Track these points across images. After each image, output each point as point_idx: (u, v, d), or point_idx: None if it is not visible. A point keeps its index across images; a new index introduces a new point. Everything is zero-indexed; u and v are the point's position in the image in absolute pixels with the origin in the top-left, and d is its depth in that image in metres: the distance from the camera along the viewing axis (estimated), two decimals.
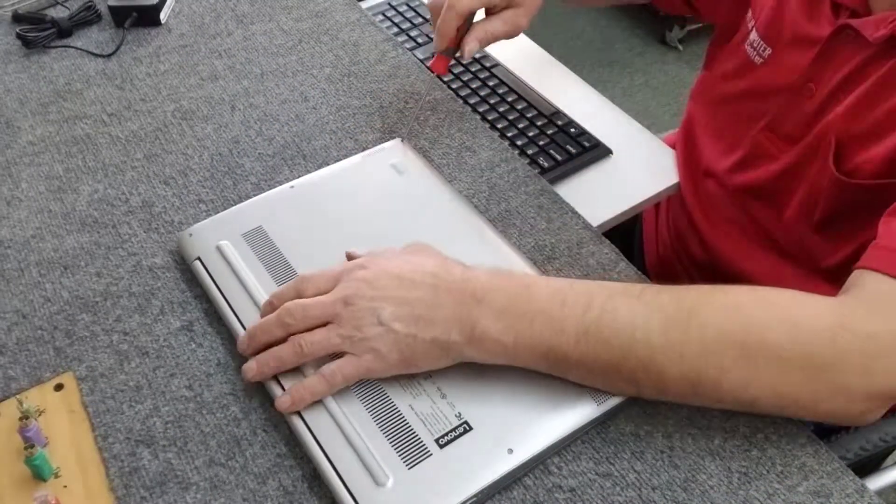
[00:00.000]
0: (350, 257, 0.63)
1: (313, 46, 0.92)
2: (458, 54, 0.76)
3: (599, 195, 0.81)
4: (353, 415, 0.56)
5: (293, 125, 0.82)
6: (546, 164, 0.83)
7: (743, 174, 0.79)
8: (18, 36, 0.91)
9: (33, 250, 0.71)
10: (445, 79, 0.92)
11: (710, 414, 0.58)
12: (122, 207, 0.74)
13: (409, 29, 1.00)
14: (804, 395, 0.53)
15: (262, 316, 0.60)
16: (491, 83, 0.92)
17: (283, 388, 0.58)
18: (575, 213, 0.73)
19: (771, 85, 0.74)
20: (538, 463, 0.56)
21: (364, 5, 1.01)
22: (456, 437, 0.55)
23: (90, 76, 0.88)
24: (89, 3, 0.95)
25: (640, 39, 2.38)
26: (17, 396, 0.59)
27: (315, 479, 0.55)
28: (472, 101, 0.90)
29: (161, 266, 0.69)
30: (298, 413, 0.56)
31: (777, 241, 0.77)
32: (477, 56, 0.95)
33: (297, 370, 0.58)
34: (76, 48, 0.92)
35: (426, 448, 0.54)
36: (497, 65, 0.95)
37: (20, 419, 0.56)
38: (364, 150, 0.78)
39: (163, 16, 0.95)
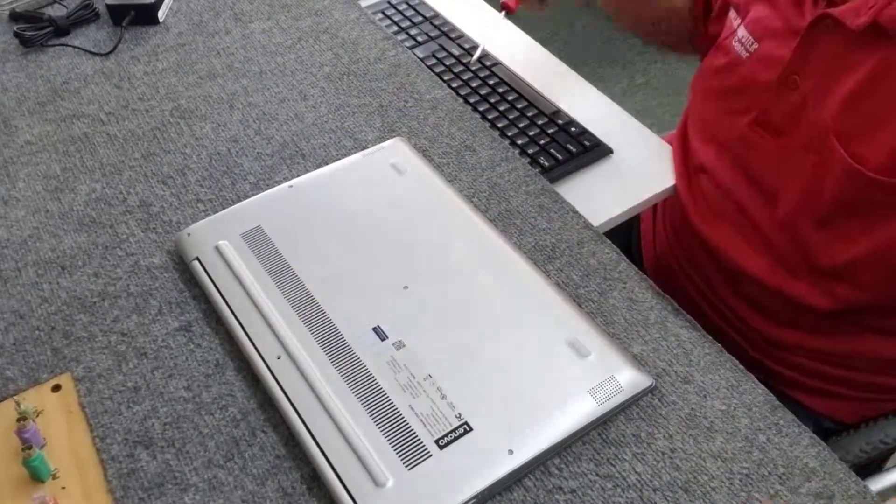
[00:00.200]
0: None
1: (312, 45, 0.92)
2: None
3: (600, 195, 0.81)
4: (353, 415, 0.56)
5: (292, 124, 0.82)
6: (546, 164, 0.83)
7: (732, 168, 0.79)
8: (16, 34, 0.91)
9: (30, 250, 0.70)
10: (445, 78, 0.91)
11: (712, 415, 0.58)
12: (119, 207, 0.74)
13: (409, 27, 1.00)
14: None
15: None
16: (491, 82, 0.92)
17: (286, 393, 0.57)
18: (575, 212, 0.73)
19: (757, 78, 0.74)
20: (539, 464, 0.55)
21: (363, 3, 1.01)
22: (456, 438, 0.55)
23: (88, 75, 0.88)
24: (87, 2, 0.94)
25: (640, 39, 2.38)
26: (15, 397, 0.59)
27: (314, 480, 0.55)
28: (472, 100, 0.90)
29: (159, 266, 0.69)
30: (298, 413, 0.56)
31: (771, 239, 0.77)
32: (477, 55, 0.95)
33: (306, 386, 0.58)
34: (74, 47, 0.91)
35: (426, 449, 0.54)
36: (497, 64, 0.94)
37: (18, 420, 0.56)
38: (363, 149, 0.78)
39: (161, 14, 0.95)
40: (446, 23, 1.00)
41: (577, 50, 2.32)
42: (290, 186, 0.73)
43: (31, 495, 0.52)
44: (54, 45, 0.92)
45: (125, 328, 0.64)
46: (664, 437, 0.57)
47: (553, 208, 0.73)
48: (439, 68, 0.93)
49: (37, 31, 0.91)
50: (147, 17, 0.94)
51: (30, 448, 0.54)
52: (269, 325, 0.61)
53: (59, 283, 0.68)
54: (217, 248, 0.67)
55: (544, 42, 1.00)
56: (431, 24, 1.00)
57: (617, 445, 0.57)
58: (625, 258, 0.69)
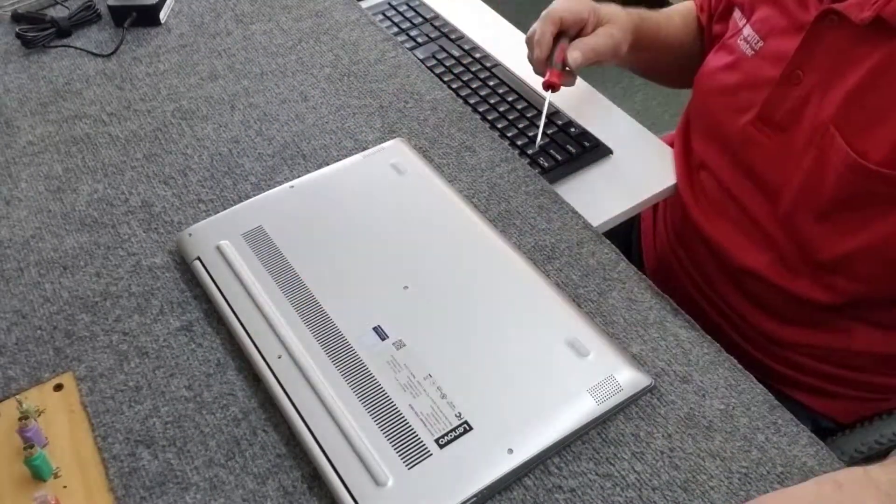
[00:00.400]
0: None
1: (313, 46, 0.92)
2: (566, 68, 0.79)
3: (599, 195, 0.81)
4: (354, 414, 0.56)
5: (293, 125, 0.82)
6: (546, 164, 0.83)
7: (734, 165, 0.79)
8: (18, 35, 0.91)
9: (33, 250, 0.71)
10: (445, 79, 0.91)
11: (711, 415, 0.58)
12: (121, 207, 0.74)
13: (409, 28, 1.00)
14: None
15: None
16: (491, 83, 0.92)
17: (286, 392, 0.58)
18: (575, 213, 0.73)
19: (761, 75, 0.75)
20: (538, 463, 0.56)
21: (364, 5, 1.01)
22: (456, 437, 0.55)
23: (90, 76, 0.88)
24: (89, 3, 0.94)
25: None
26: (17, 397, 0.59)
27: (315, 479, 0.55)
28: (472, 101, 0.90)
29: (160, 266, 0.69)
30: (298, 413, 0.56)
31: (771, 234, 0.77)
32: (477, 56, 0.95)
33: (307, 385, 0.58)
34: (76, 48, 0.92)
35: (426, 448, 0.54)
36: (497, 65, 0.94)
37: (20, 419, 0.56)
38: (364, 149, 0.78)
39: (162, 15, 0.95)
40: (446, 24, 1.00)
41: None
42: (292, 187, 0.73)
43: (32, 494, 0.52)
44: (56, 47, 0.92)
45: (127, 328, 0.64)
46: (663, 436, 0.57)
47: (553, 208, 0.74)
48: (439, 69, 0.94)
49: (39, 33, 0.91)
50: (148, 18, 0.94)
51: (31, 447, 0.54)
52: (270, 325, 0.61)
53: (61, 282, 0.68)
54: (218, 248, 0.67)
55: None
56: (432, 25, 1.00)
57: (616, 444, 0.57)
58: (624, 258, 0.69)
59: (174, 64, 0.90)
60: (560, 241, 0.71)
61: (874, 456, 0.79)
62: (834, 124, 0.67)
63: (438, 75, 0.91)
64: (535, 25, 0.81)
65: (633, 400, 0.59)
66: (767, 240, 0.77)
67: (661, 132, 0.94)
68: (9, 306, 0.66)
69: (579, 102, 0.91)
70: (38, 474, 0.54)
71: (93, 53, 0.91)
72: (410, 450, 0.54)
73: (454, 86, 0.91)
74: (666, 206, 0.95)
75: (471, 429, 0.55)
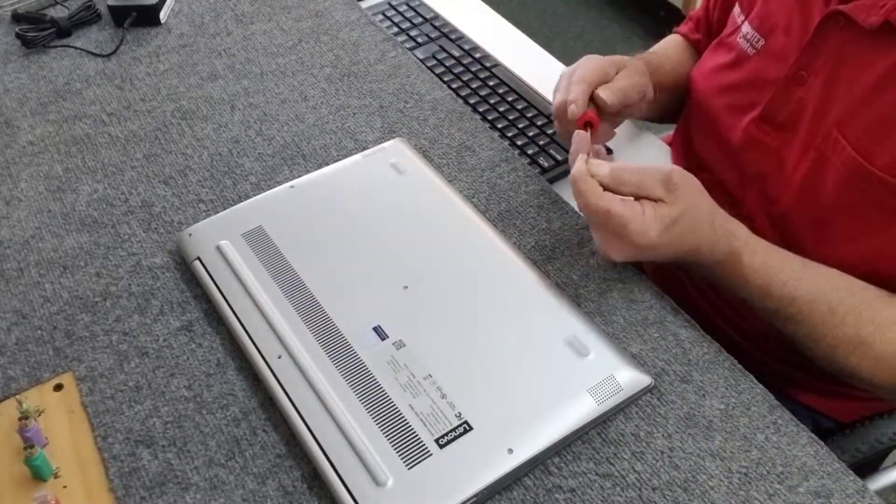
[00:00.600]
0: None
1: (313, 46, 0.92)
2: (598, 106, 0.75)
3: None
4: (353, 415, 0.56)
5: (293, 125, 0.82)
6: (546, 164, 0.83)
7: (734, 166, 0.79)
8: (18, 35, 0.91)
9: (33, 250, 0.71)
10: (445, 79, 0.91)
11: (711, 415, 0.58)
12: (121, 207, 0.74)
13: (409, 28, 1.00)
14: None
15: None
16: (491, 83, 0.92)
17: (286, 392, 0.58)
18: (575, 213, 0.73)
19: (764, 74, 0.74)
20: (538, 463, 0.56)
21: (364, 5, 1.01)
22: (456, 437, 0.55)
23: (90, 76, 0.88)
24: (89, 3, 0.94)
25: (640, 39, 2.38)
26: (17, 396, 0.59)
27: (315, 479, 0.55)
28: (472, 101, 0.90)
29: (160, 266, 0.69)
30: (298, 413, 0.56)
31: (768, 235, 0.77)
32: (477, 56, 0.95)
33: (307, 385, 0.58)
34: (76, 48, 0.92)
35: (426, 448, 0.54)
36: (497, 65, 0.95)
37: (20, 419, 0.56)
38: (364, 149, 0.78)
39: (162, 15, 0.95)
40: (446, 24, 1.01)
41: (577, 51, 2.32)
42: (292, 187, 0.73)
43: (32, 494, 0.52)
44: (56, 47, 0.92)
45: (127, 328, 0.64)
46: (663, 436, 0.57)
47: (553, 208, 0.74)
48: (439, 69, 0.94)
49: (39, 33, 0.91)
50: (149, 18, 0.94)
51: (32, 447, 0.54)
52: (270, 325, 0.61)
53: (61, 282, 0.68)
54: (218, 248, 0.67)
55: (544, 43, 1.01)
56: (432, 25, 1.00)
57: (616, 444, 0.57)
58: None
59: (174, 64, 0.90)
60: (560, 241, 0.71)
61: (874, 456, 0.79)
62: (838, 129, 0.67)
63: (438, 75, 0.91)
64: (562, 90, 0.75)
65: (633, 400, 0.59)
66: (765, 240, 0.77)
67: (661, 132, 0.94)
68: (9, 306, 0.66)
69: None
70: (38, 474, 0.54)
71: (93, 53, 0.91)
72: (410, 450, 0.54)
73: (454, 86, 0.91)
74: None
75: (471, 429, 0.55)
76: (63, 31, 0.92)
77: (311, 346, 0.60)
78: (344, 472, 0.53)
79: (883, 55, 0.65)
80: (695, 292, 0.88)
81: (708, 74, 0.82)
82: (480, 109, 0.89)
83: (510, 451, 0.54)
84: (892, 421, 0.79)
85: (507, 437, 0.55)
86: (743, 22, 0.78)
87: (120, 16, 0.94)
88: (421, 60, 0.92)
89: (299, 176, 0.75)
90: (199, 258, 0.67)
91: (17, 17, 0.95)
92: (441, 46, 0.97)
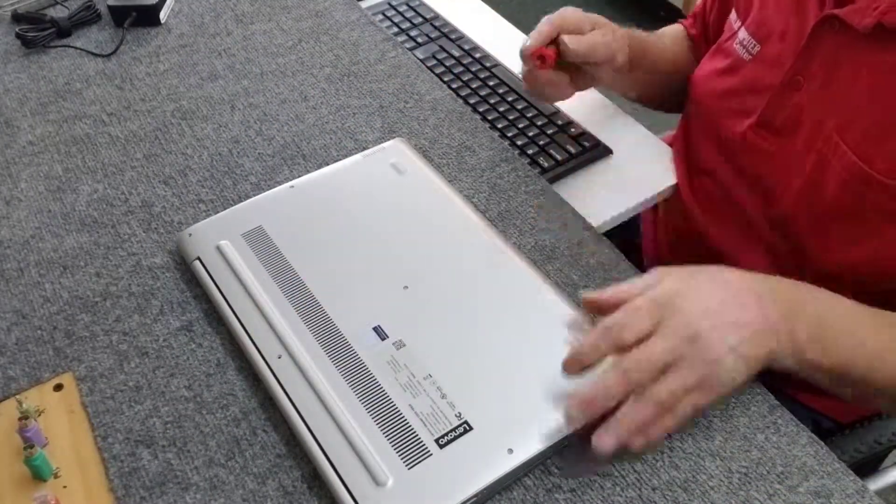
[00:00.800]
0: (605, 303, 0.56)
1: (313, 46, 0.92)
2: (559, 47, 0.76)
3: (599, 195, 0.81)
4: (353, 415, 0.56)
5: (293, 125, 0.82)
6: (546, 164, 0.83)
7: (735, 170, 0.79)
8: (18, 35, 0.91)
9: (33, 250, 0.71)
10: (445, 79, 0.91)
11: (711, 415, 0.58)
12: (121, 207, 0.74)
13: (409, 28, 1.00)
14: None
15: (574, 371, 0.54)
16: (491, 83, 0.92)
17: (286, 392, 0.58)
18: (575, 213, 0.73)
19: (761, 80, 0.74)
20: (538, 463, 0.56)
21: (364, 5, 1.01)
22: (456, 437, 0.55)
23: (90, 76, 0.88)
24: (89, 3, 0.94)
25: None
26: (17, 396, 0.59)
27: (315, 479, 0.55)
28: (472, 101, 0.90)
29: (161, 266, 0.69)
30: (298, 412, 0.56)
31: (768, 239, 0.77)
32: (477, 56, 0.95)
33: (307, 385, 0.58)
34: (76, 48, 0.92)
35: (426, 448, 0.54)
36: (497, 65, 0.94)
37: (20, 419, 0.56)
38: (364, 149, 0.78)
39: (162, 15, 0.95)
40: (446, 24, 1.01)
41: None
42: (292, 187, 0.73)
43: (32, 494, 0.52)
44: (56, 47, 0.92)
45: (127, 328, 0.64)
46: None
47: (553, 208, 0.74)
48: (439, 69, 0.94)
49: (39, 33, 0.91)
50: (148, 18, 0.94)
51: (31, 447, 0.54)
52: (270, 325, 0.61)
53: (61, 282, 0.68)
54: (218, 248, 0.67)
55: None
56: (432, 25, 1.00)
57: None
58: (624, 258, 0.69)
59: (174, 64, 0.90)
60: (560, 241, 0.71)
61: (874, 456, 0.79)
62: (837, 133, 0.67)
63: (438, 75, 0.91)
64: (534, 32, 0.78)
65: None
66: (765, 244, 0.77)
67: (661, 132, 0.94)
68: (9, 306, 0.66)
69: (580, 102, 0.91)
70: (38, 474, 0.54)
71: (93, 53, 0.91)
72: (410, 450, 0.54)
73: (454, 86, 0.91)
74: (667, 208, 0.95)
75: (471, 429, 0.55)
76: (63, 31, 0.92)
77: (311, 346, 0.60)
78: (344, 472, 0.53)
79: (877, 58, 0.65)
80: None
81: (706, 79, 0.83)
82: (480, 109, 0.89)
83: (510, 451, 0.54)
84: (891, 421, 0.79)
85: (508, 437, 0.55)
86: (739, 28, 0.78)
87: (120, 16, 0.94)
88: (421, 60, 0.92)
89: (299, 176, 0.75)
90: (199, 258, 0.67)
91: (17, 17, 0.95)
92: (441, 46, 0.97)
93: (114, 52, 0.91)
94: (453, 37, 0.99)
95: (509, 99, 0.90)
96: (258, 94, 0.86)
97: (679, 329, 0.52)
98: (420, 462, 0.54)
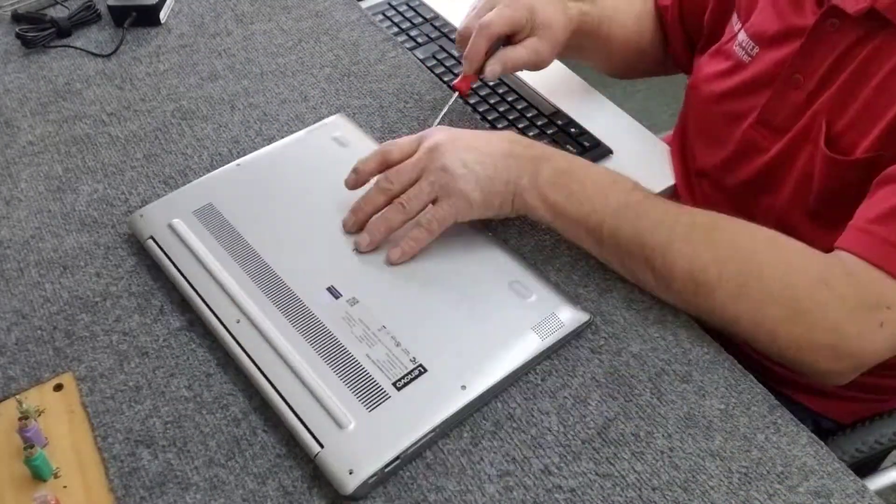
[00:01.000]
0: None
1: (313, 46, 0.92)
2: (481, 75, 0.77)
3: None
4: (313, 367, 0.58)
5: (293, 125, 0.82)
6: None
7: (735, 171, 0.79)
8: (18, 35, 0.91)
9: (33, 250, 0.71)
10: (446, 78, 0.91)
11: (711, 414, 0.58)
12: (121, 207, 0.74)
13: (409, 29, 1.00)
14: (781, 333, 0.59)
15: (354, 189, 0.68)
16: (491, 83, 0.92)
17: (250, 356, 0.59)
18: None
19: (760, 80, 0.75)
20: (491, 397, 0.59)
21: (364, 5, 1.01)
22: (412, 380, 0.58)
23: (90, 76, 0.88)
24: (89, 3, 0.94)
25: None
26: (17, 397, 0.59)
27: (315, 479, 0.55)
28: (472, 101, 0.90)
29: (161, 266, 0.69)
30: (261, 371, 0.58)
31: None
32: None
33: (267, 345, 0.60)
34: (76, 48, 0.92)
35: (384, 391, 0.57)
36: None
37: (20, 419, 0.56)
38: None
39: (162, 15, 0.95)
40: (446, 24, 1.00)
41: None
42: (238, 164, 0.75)
43: (32, 494, 0.52)
44: (56, 47, 0.92)
45: (127, 328, 0.64)
46: (663, 436, 0.57)
47: None
48: (439, 69, 0.93)
49: (39, 33, 0.91)
50: (149, 18, 0.94)
51: (31, 447, 0.54)
52: (227, 292, 0.63)
53: (62, 282, 0.68)
54: (170, 226, 0.68)
55: None
56: (432, 25, 1.00)
57: (616, 444, 0.57)
58: None
59: (174, 64, 0.90)
60: (560, 241, 0.70)
61: (874, 456, 0.79)
62: (828, 123, 0.68)
63: (438, 75, 0.91)
64: (466, 23, 0.77)
65: (574, 335, 0.62)
66: None
67: (661, 132, 0.94)
68: (9, 306, 0.66)
69: (579, 102, 0.91)
70: (38, 474, 0.54)
71: (93, 53, 0.91)
72: (370, 394, 0.57)
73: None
74: None
75: (425, 371, 0.58)
76: (63, 31, 0.92)
77: (268, 309, 0.62)
78: (308, 419, 0.56)
79: (867, 45, 0.65)
80: None
81: (706, 82, 0.83)
82: (480, 109, 0.89)
83: (463, 387, 0.57)
84: (892, 421, 0.79)
85: (460, 375, 0.58)
86: (740, 30, 0.78)
87: (120, 16, 0.94)
88: (421, 60, 0.92)
89: None
90: (152, 237, 0.68)
91: (17, 17, 0.95)
92: (441, 46, 0.97)
93: (114, 52, 0.91)
94: (453, 37, 0.98)
95: (509, 99, 0.90)
96: (258, 94, 0.86)
97: (425, 145, 0.65)
98: (380, 405, 0.56)
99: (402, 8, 1.03)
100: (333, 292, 0.63)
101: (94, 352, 0.63)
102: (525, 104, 0.89)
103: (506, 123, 0.87)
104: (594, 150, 0.85)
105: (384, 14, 1.03)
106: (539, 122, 0.87)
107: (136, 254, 0.70)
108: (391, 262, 0.65)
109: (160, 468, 0.56)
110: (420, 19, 1.01)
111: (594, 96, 0.94)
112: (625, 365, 0.62)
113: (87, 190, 0.76)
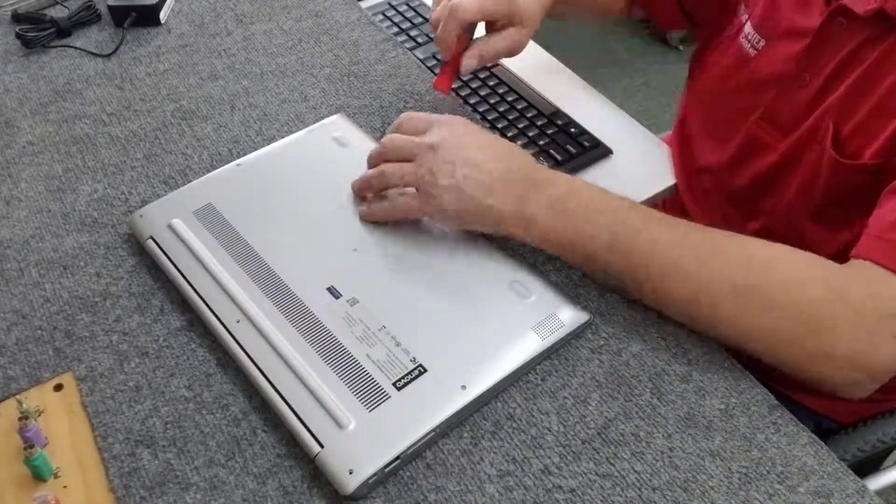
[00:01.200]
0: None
1: (313, 46, 0.92)
2: (459, 75, 0.77)
3: None
4: (313, 367, 0.58)
5: (293, 125, 0.82)
6: (546, 164, 0.83)
7: (738, 168, 0.79)
8: (18, 35, 0.91)
9: (33, 250, 0.71)
10: None
11: (711, 414, 0.58)
12: (121, 207, 0.74)
13: (409, 28, 1.00)
14: (797, 348, 0.58)
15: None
16: (491, 83, 0.92)
17: (250, 356, 0.59)
18: None
19: (765, 76, 0.75)
20: (491, 397, 0.59)
21: (364, 5, 1.01)
22: (412, 380, 0.58)
23: (90, 76, 0.88)
24: (89, 3, 0.94)
25: (640, 39, 2.38)
26: (17, 397, 0.59)
27: (315, 479, 0.55)
28: (472, 101, 0.90)
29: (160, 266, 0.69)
30: (260, 371, 0.58)
31: (774, 234, 0.77)
32: None
33: (267, 345, 0.60)
34: (76, 48, 0.92)
35: (384, 391, 0.57)
36: (497, 65, 0.94)
37: (20, 419, 0.56)
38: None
39: (162, 15, 0.95)
40: None
41: (577, 50, 2.32)
42: (238, 164, 0.75)
43: (32, 494, 0.52)
44: (56, 47, 0.92)
45: (127, 327, 0.64)
46: (663, 436, 0.57)
47: None
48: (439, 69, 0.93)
49: (39, 33, 0.91)
50: (148, 18, 0.94)
51: (31, 447, 0.54)
52: (227, 292, 0.63)
53: (61, 282, 0.68)
54: (170, 227, 0.68)
55: (543, 43, 1.01)
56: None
57: (616, 444, 0.57)
58: None
59: (174, 64, 0.90)
60: None
61: (874, 456, 0.79)
62: (835, 125, 0.68)
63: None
64: (438, 10, 0.75)
65: (574, 335, 0.62)
66: (770, 240, 0.77)
67: (661, 132, 0.94)
68: (9, 306, 0.66)
69: (579, 102, 0.91)
70: (38, 474, 0.54)
71: (93, 53, 0.91)
72: (370, 394, 0.57)
73: (454, 86, 0.91)
74: (666, 207, 0.95)
75: (425, 371, 0.58)
76: (63, 31, 0.92)
77: (268, 309, 0.62)
78: (308, 419, 0.56)
79: (875, 47, 0.65)
80: None
81: (711, 76, 0.82)
82: (480, 109, 0.89)
83: (463, 387, 0.57)
84: (892, 421, 0.79)
85: (460, 375, 0.58)
86: (746, 21, 0.78)
87: (120, 16, 0.94)
88: (421, 60, 0.92)
89: None
90: (151, 237, 0.68)
91: (17, 17, 0.95)
92: None
93: (114, 52, 0.91)
94: None
95: (509, 99, 0.90)
96: (258, 94, 0.86)
97: (430, 137, 0.65)
98: (380, 405, 0.56)
99: (402, 8, 1.03)
100: (333, 292, 0.63)
101: (94, 352, 0.63)
102: (525, 104, 0.89)
103: (506, 123, 0.87)
104: (594, 150, 0.85)
105: (384, 14, 1.03)
106: (539, 122, 0.87)
107: (136, 254, 0.70)
108: (361, 215, 0.68)
109: (160, 468, 0.56)
110: (420, 19, 1.01)
111: (594, 96, 0.94)
112: (625, 365, 0.62)
113: (87, 190, 0.76)
